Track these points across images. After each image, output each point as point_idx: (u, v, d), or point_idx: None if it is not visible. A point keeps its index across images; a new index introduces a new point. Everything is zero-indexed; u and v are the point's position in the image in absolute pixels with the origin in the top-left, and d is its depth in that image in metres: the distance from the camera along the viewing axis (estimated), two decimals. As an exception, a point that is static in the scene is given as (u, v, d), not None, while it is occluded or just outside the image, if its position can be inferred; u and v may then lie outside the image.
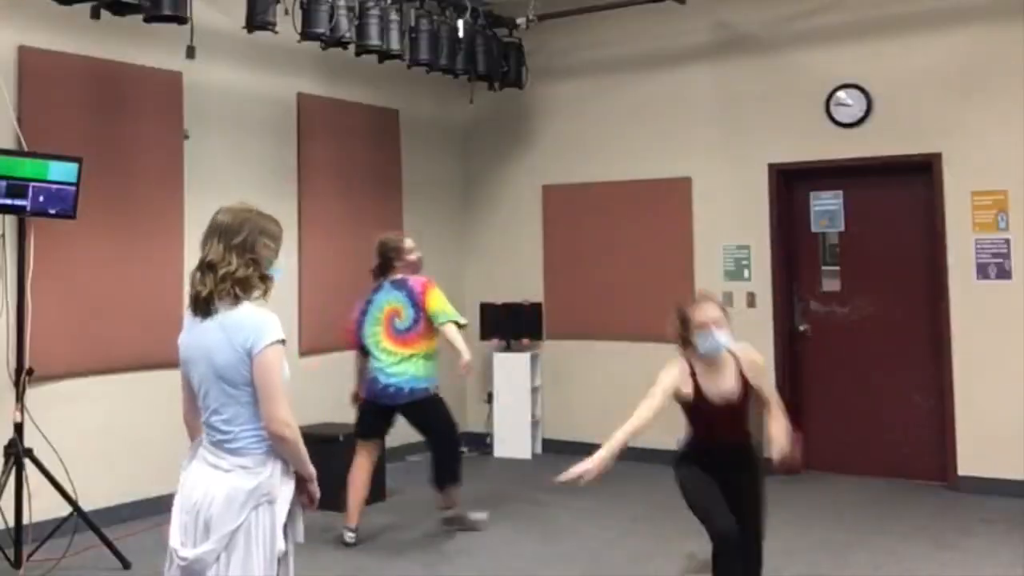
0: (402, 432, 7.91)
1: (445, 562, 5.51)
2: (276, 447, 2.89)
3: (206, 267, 2.93)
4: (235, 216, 2.99)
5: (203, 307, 2.92)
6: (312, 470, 2.99)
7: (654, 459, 7.43)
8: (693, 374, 4.24)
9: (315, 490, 3.01)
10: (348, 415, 7.27)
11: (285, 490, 2.94)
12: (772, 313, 7.58)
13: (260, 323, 2.89)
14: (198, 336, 2.94)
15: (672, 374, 4.29)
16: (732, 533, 4.10)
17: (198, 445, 3.02)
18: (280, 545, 2.90)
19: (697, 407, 4.22)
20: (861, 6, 7.32)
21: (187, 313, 3.01)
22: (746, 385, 4.21)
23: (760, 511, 4.29)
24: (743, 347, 4.31)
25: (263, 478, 2.89)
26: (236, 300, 2.91)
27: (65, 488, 5.27)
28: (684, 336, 4.32)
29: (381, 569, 5.41)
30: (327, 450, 6.49)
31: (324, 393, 7.08)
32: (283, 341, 2.91)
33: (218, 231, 2.96)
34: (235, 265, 2.91)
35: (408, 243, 6.05)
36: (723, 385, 4.20)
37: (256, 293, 2.96)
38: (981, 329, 6.84)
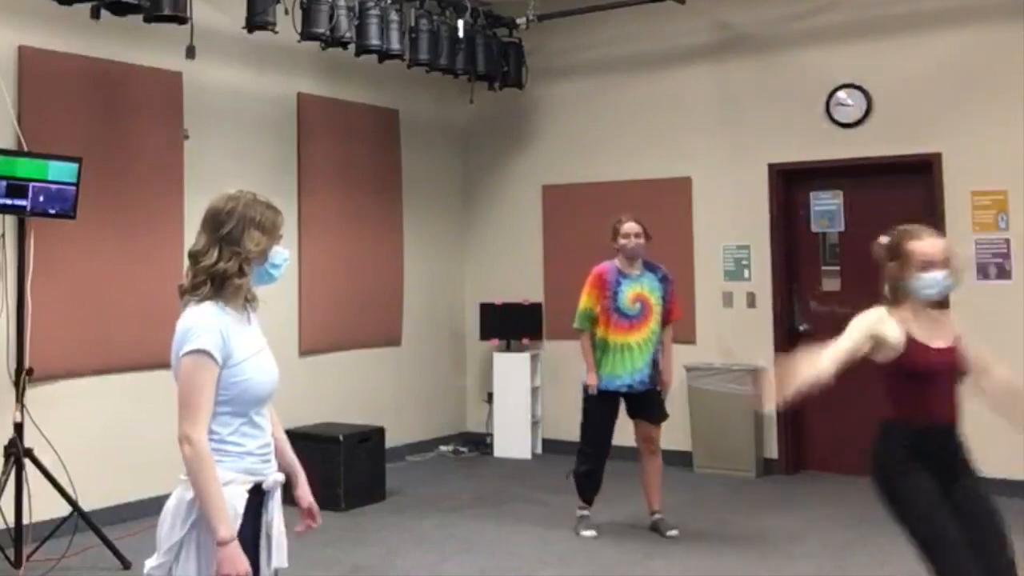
0: (402, 432, 7.95)
1: (445, 562, 5.51)
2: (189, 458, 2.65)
3: (191, 258, 2.77)
4: (225, 203, 2.79)
5: (183, 302, 2.78)
6: (214, 514, 2.59)
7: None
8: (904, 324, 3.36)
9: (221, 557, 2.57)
10: (348, 415, 7.29)
11: (239, 505, 2.67)
12: (772, 313, 7.58)
13: (188, 329, 2.71)
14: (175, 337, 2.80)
15: (870, 318, 3.48)
16: None
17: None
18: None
19: (912, 365, 3.29)
20: (861, 6, 7.31)
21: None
22: (961, 347, 3.32)
23: (1001, 523, 3.36)
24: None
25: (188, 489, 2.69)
26: (200, 300, 2.73)
27: (65, 488, 5.27)
28: (896, 278, 3.47)
29: (381, 569, 5.41)
30: (327, 450, 6.52)
31: (324, 393, 7.09)
32: (206, 352, 2.67)
33: (206, 219, 2.78)
34: (215, 258, 2.72)
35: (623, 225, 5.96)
36: (942, 341, 3.36)
37: (231, 289, 2.75)
38: (981, 329, 6.81)
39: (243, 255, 2.74)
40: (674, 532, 5.84)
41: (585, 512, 5.98)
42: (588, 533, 5.90)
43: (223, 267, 2.72)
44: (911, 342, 3.30)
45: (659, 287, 5.89)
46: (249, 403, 2.77)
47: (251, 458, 2.76)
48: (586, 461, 5.92)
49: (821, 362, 3.37)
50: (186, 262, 2.85)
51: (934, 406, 3.30)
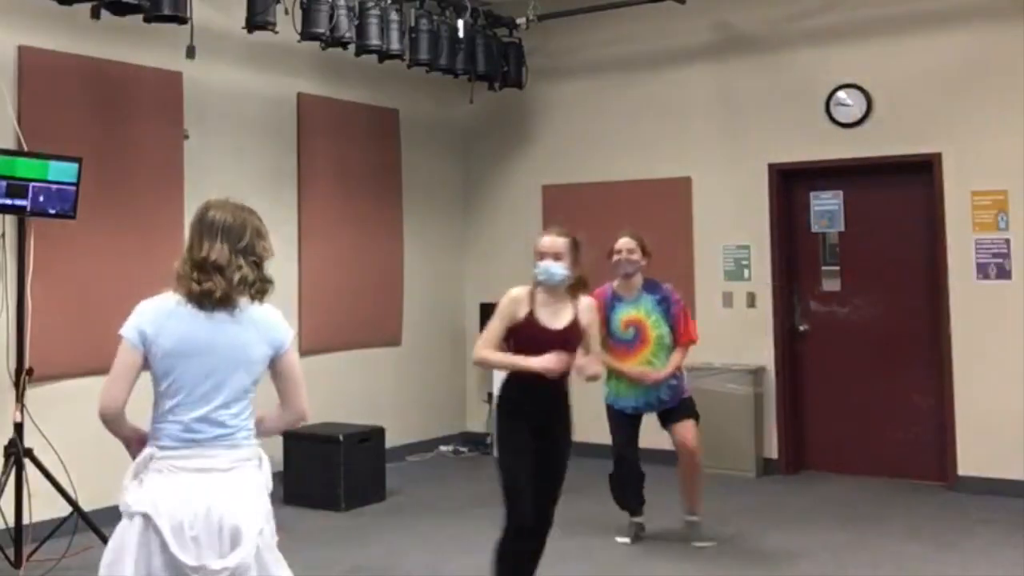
0: (402, 432, 7.94)
1: (445, 562, 5.51)
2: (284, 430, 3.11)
3: (211, 267, 2.85)
4: (235, 217, 2.94)
5: (220, 303, 2.85)
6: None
7: (654, 459, 7.42)
8: (532, 302, 4.23)
9: None
10: (348, 415, 7.29)
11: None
12: (772, 313, 7.58)
13: (286, 324, 3.01)
14: (212, 330, 2.84)
15: (508, 299, 4.27)
16: (530, 526, 4.21)
17: (148, 459, 2.84)
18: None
19: (525, 337, 4.16)
20: (861, 6, 7.32)
21: (181, 306, 2.86)
22: (578, 327, 4.21)
23: (563, 474, 4.33)
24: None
25: (266, 468, 2.92)
26: (252, 300, 2.92)
27: (65, 488, 5.26)
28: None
29: (381, 569, 5.41)
30: (327, 450, 6.52)
31: (324, 393, 7.08)
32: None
33: (219, 231, 2.89)
34: (245, 269, 2.88)
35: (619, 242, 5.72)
36: (560, 323, 4.21)
37: (265, 295, 2.97)
38: (981, 329, 6.84)
39: (260, 264, 2.97)
40: (702, 544, 5.63)
41: (633, 520, 5.85)
42: (621, 539, 5.81)
43: (252, 276, 2.93)
44: (530, 319, 4.15)
45: (657, 309, 5.58)
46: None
47: None
48: (613, 469, 5.83)
49: (484, 347, 4.23)
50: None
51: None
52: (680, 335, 5.63)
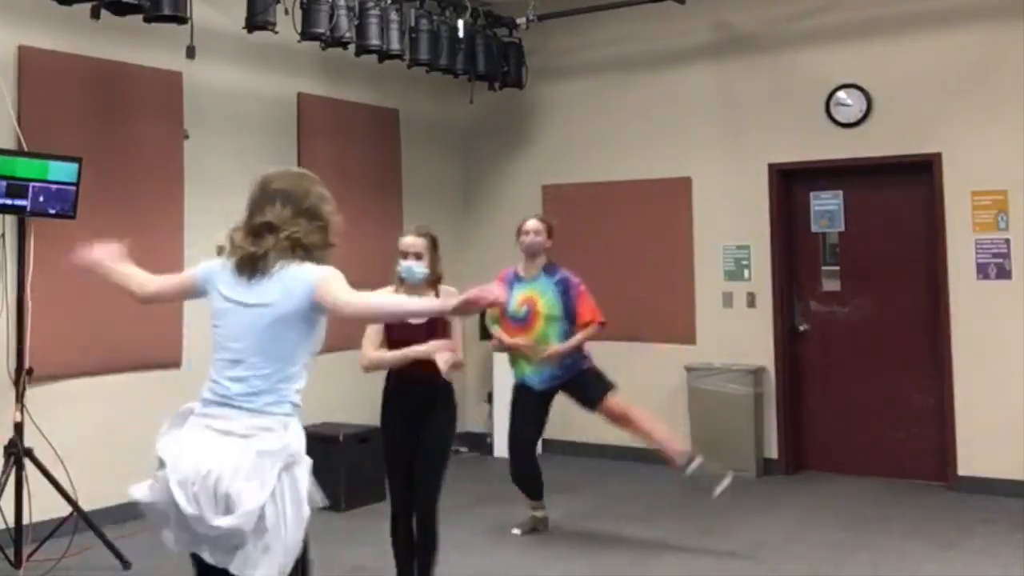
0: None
1: (445, 561, 5.50)
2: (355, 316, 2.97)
3: (264, 228, 2.88)
4: (296, 182, 3.00)
5: (259, 266, 2.87)
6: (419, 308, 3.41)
7: (654, 459, 7.43)
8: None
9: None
10: (348, 415, 7.28)
11: (304, 451, 2.89)
12: (772, 313, 7.58)
13: (310, 269, 2.90)
14: (246, 293, 2.89)
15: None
16: (394, 513, 4.59)
17: (187, 413, 2.91)
18: (306, 510, 2.83)
19: (392, 332, 4.43)
20: (861, 6, 7.32)
21: (224, 269, 2.95)
22: (442, 319, 4.35)
23: (439, 461, 4.47)
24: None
25: (290, 438, 2.83)
26: (298, 260, 2.90)
27: (65, 488, 5.27)
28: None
29: (381, 569, 5.40)
30: (327, 450, 6.52)
31: (324, 393, 7.06)
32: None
33: (279, 196, 2.93)
34: (304, 230, 2.90)
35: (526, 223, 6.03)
36: (420, 319, 4.35)
37: (323, 257, 2.96)
38: (981, 329, 6.84)
39: (327, 228, 3.00)
40: (723, 485, 5.71)
41: (532, 514, 6.01)
42: (515, 531, 5.99)
43: (311, 239, 2.94)
44: None
45: (552, 290, 5.83)
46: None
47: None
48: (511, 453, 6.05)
49: (369, 349, 4.54)
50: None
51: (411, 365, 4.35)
52: (580, 315, 5.83)
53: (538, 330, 5.80)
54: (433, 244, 4.57)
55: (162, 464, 2.85)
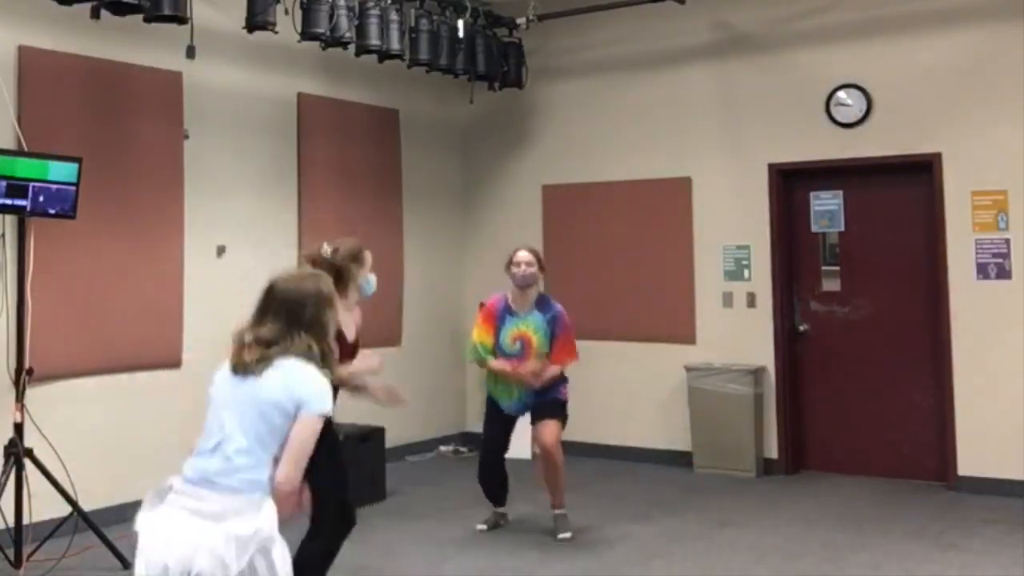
0: (402, 432, 7.94)
1: (445, 562, 5.51)
2: (273, 500, 2.85)
3: (261, 343, 2.93)
4: (298, 288, 3.02)
5: (252, 368, 2.91)
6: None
7: (654, 459, 7.47)
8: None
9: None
10: (348, 415, 7.27)
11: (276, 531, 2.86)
12: (772, 313, 7.58)
13: (321, 390, 2.92)
14: (237, 383, 2.93)
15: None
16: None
17: (167, 490, 2.88)
18: None
19: (342, 346, 4.39)
20: (861, 6, 7.31)
21: (226, 370, 3.00)
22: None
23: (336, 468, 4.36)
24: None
25: (262, 521, 2.80)
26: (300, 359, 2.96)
27: (65, 488, 5.27)
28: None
29: (381, 569, 5.41)
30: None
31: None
32: (328, 417, 2.95)
33: (279, 305, 2.98)
34: (297, 344, 2.93)
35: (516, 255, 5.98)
36: (351, 333, 4.54)
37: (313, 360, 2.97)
38: (981, 329, 6.84)
39: (324, 333, 3.02)
40: (564, 535, 5.84)
41: (496, 509, 6.15)
42: (479, 526, 6.08)
43: (306, 351, 2.96)
44: (340, 331, 4.20)
45: (544, 327, 5.80)
46: None
47: None
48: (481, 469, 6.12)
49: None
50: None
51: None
52: (555, 354, 5.83)
53: (530, 366, 5.79)
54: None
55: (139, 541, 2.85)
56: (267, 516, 2.81)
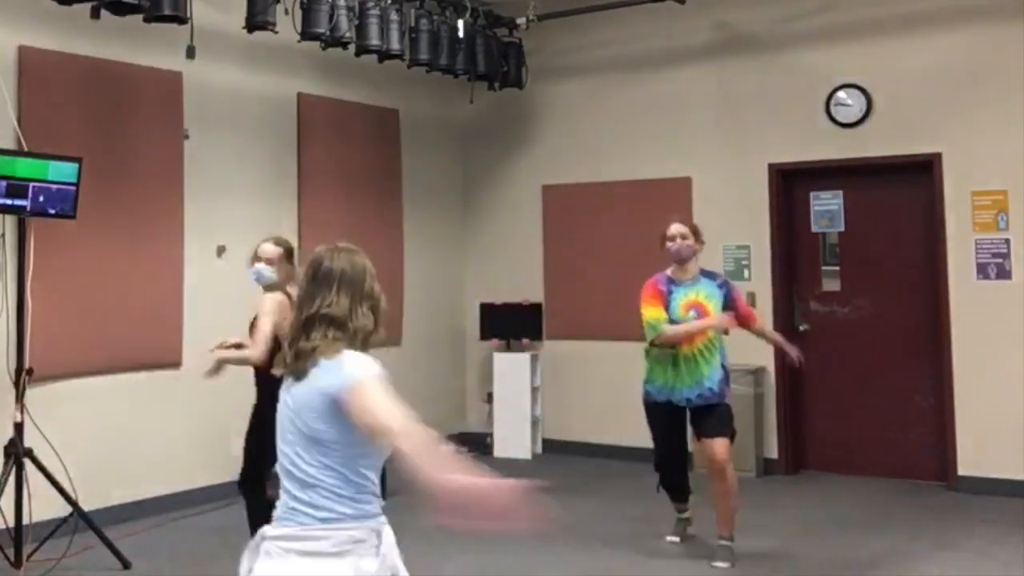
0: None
1: (445, 562, 5.51)
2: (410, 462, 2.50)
3: (325, 320, 2.57)
4: (352, 263, 2.65)
5: (304, 364, 2.56)
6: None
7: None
8: None
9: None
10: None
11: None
12: (772, 313, 7.57)
13: (351, 367, 2.56)
14: (288, 396, 2.59)
15: (277, 299, 4.86)
16: None
17: (261, 539, 2.55)
18: None
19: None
20: (861, 6, 7.31)
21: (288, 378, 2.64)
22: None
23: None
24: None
25: (386, 547, 2.71)
26: (339, 351, 2.59)
27: (65, 488, 5.27)
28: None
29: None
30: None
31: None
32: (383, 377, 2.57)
33: (336, 279, 2.61)
34: (362, 319, 2.61)
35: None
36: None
37: (375, 340, 2.68)
38: (981, 329, 6.84)
39: (377, 307, 2.70)
40: (721, 564, 5.31)
41: (678, 516, 5.84)
42: (670, 538, 5.78)
43: (369, 325, 2.67)
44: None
45: (717, 293, 5.45)
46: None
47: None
48: (658, 471, 5.69)
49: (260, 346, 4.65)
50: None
51: None
52: (746, 316, 5.61)
53: (709, 335, 5.40)
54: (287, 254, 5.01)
55: None
56: (388, 540, 2.76)
